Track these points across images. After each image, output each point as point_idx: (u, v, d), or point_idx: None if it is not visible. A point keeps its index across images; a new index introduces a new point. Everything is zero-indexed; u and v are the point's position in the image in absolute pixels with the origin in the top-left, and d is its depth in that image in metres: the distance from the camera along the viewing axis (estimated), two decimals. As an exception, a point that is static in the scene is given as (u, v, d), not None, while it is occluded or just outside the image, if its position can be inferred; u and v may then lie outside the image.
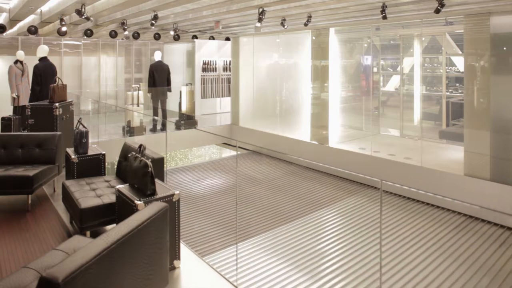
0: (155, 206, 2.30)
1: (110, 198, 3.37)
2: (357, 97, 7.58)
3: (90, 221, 3.24)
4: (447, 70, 7.52)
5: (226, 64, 10.91)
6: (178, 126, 8.58)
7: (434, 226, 4.09)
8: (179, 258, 2.92)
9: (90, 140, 4.35)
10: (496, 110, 4.46)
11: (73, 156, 4.07)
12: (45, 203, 4.30)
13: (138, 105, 8.13)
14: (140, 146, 3.18)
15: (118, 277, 1.84)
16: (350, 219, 4.25)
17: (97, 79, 11.27)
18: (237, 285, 2.89)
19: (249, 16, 8.65)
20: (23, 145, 4.41)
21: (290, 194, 5.05)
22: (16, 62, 7.55)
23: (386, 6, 6.98)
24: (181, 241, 3.06)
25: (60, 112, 5.30)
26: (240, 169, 6.14)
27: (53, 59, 7.30)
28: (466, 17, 4.68)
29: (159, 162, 3.57)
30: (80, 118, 4.48)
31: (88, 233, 3.31)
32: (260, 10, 7.44)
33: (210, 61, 10.71)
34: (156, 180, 3.01)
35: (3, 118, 6.22)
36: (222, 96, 10.89)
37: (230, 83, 9.49)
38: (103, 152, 4.24)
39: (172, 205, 2.83)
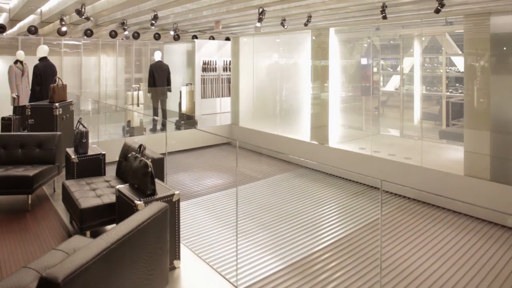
0: (155, 206, 2.30)
1: (110, 198, 3.37)
2: (357, 97, 7.58)
3: (90, 221, 3.25)
4: (447, 70, 7.52)
5: (226, 64, 10.91)
6: (178, 126, 8.58)
7: (435, 227, 4.10)
8: (179, 258, 2.93)
9: (90, 140, 4.36)
10: (496, 110, 4.46)
11: (73, 156, 4.07)
12: (45, 203, 4.30)
13: (138, 105, 8.13)
14: (140, 146, 3.18)
15: (118, 277, 1.84)
16: (350, 219, 4.25)
17: (97, 79, 11.27)
18: (237, 285, 2.89)
19: (249, 16, 8.65)
20: (23, 145, 4.42)
21: (290, 194, 5.05)
22: (16, 62, 7.55)
23: (386, 6, 6.98)
24: (181, 241, 3.06)
25: (60, 112, 5.30)
26: (240, 169, 6.14)
27: (53, 59, 7.31)
28: (466, 17, 4.68)
29: (159, 162, 3.58)
30: (80, 118, 4.49)
31: (88, 233, 3.32)
32: (260, 10, 7.44)
33: (210, 61, 10.71)
34: (156, 180, 3.02)
35: (3, 118, 6.23)
36: (222, 96, 10.89)
37: (230, 83, 9.50)
38: (103, 152, 4.25)
39: (172, 205, 2.83)
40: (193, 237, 3.75)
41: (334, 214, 4.42)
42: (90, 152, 4.21)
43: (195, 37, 12.10)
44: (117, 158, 4.01)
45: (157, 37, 11.53)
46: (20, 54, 7.66)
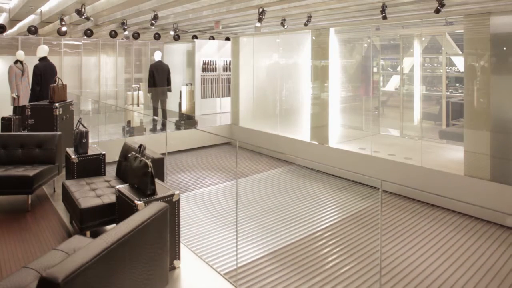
0: (155, 206, 2.30)
1: (110, 198, 3.37)
2: (357, 97, 7.58)
3: (90, 221, 3.25)
4: (447, 70, 7.52)
5: (226, 64, 10.91)
6: (178, 126, 8.58)
7: (434, 226, 4.10)
8: (179, 258, 2.93)
9: (90, 140, 4.36)
10: (496, 110, 4.46)
11: (73, 156, 4.07)
12: (45, 203, 4.30)
13: (138, 105, 8.13)
14: (140, 146, 3.18)
15: (118, 277, 1.84)
16: (350, 219, 4.25)
17: (97, 79, 11.26)
18: (237, 285, 2.90)
19: (249, 16, 8.65)
20: (23, 145, 4.42)
21: (290, 194, 5.05)
22: (16, 62, 7.55)
23: (386, 6, 6.98)
24: (181, 241, 3.06)
25: (60, 112, 5.30)
26: (240, 169, 6.14)
27: (53, 59, 7.31)
28: (466, 17, 4.68)
29: (159, 162, 3.58)
30: (80, 118, 4.49)
31: (88, 233, 3.32)
32: (260, 10, 7.44)
33: (210, 61, 10.71)
34: (156, 180, 3.02)
35: (3, 118, 6.23)
36: (222, 96, 10.89)
37: (230, 83, 9.50)
38: (103, 152, 4.25)
39: (172, 205, 2.83)
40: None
41: (333, 213, 4.42)
42: (90, 152, 4.21)
43: (195, 37, 12.10)
44: (117, 158, 4.01)
45: (157, 37, 11.53)
46: (20, 54, 7.65)
